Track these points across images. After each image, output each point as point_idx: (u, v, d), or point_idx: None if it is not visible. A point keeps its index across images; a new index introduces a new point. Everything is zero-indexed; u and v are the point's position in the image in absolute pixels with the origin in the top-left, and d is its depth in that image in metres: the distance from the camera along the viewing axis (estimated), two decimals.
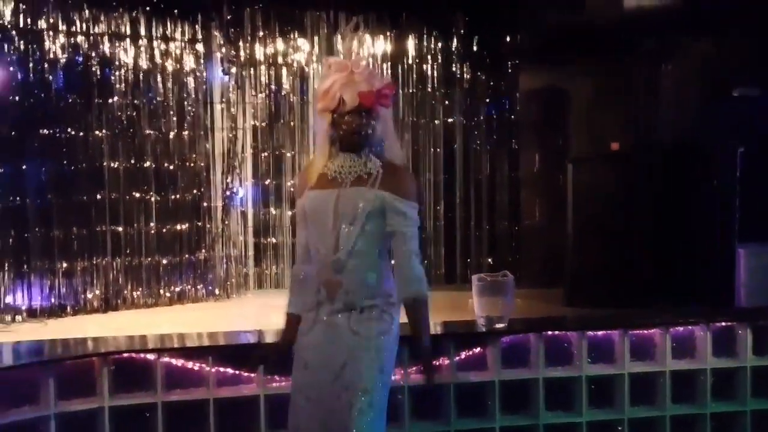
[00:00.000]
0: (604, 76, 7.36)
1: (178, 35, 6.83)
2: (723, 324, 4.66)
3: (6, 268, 5.91)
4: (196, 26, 6.91)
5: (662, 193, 5.86)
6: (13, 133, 6.03)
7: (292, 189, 7.26)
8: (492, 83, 7.84)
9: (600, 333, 4.57)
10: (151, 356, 4.10)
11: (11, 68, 6.09)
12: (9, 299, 5.90)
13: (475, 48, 7.80)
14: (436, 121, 7.75)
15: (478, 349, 4.44)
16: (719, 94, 6.48)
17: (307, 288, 3.08)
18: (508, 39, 7.83)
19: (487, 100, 7.84)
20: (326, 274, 2.98)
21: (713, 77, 6.69)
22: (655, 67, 7.20)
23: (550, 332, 4.50)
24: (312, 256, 3.05)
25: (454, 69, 7.78)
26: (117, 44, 6.56)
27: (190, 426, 4.09)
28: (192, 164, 6.81)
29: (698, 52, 6.87)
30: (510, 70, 7.84)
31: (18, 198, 6.04)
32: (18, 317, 5.81)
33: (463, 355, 4.40)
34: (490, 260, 7.54)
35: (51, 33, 6.30)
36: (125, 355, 4.08)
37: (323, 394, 2.97)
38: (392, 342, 3.06)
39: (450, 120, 7.78)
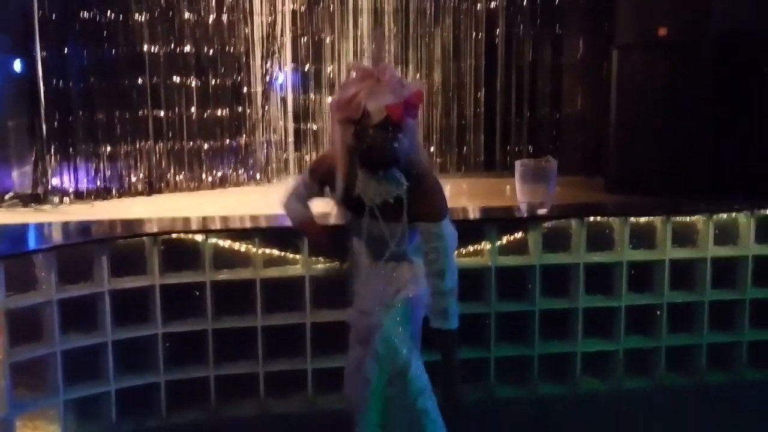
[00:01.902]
0: None
1: None
2: (767, 212, 4.63)
3: (52, 151, 6.00)
4: None
5: (712, 82, 5.69)
6: (54, 16, 6.01)
7: (331, 75, 7.22)
8: None
9: (642, 219, 4.57)
10: (199, 237, 4.20)
11: None
12: (56, 181, 6.01)
13: None
14: (478, 6, 7.55)
15: (520, 234, 4.47)
16: None
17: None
18: None
19: None
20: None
21: None
22: None
23: (591, 218, 4.51)
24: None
25: None
26: None
27: (237, 304, 4.22)
28: (231, 49, 6.76)
29: None
30: None
31: (61, 82, 6.07)
32: (66, 199, 5.93)
33: (504, 239, 4.45)
34: (530, 148, 7.49)
35: None
36: (174, 235, 4.18)
37: (374, 310, 3.12)
38: None
39: (492, 4, 7.58)
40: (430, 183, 2.97)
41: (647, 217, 4.57)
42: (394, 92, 2.77)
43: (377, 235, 3.02)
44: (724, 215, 4.61)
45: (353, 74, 2.90)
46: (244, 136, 6.78)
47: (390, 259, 3.10)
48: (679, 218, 4.58)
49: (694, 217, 4.60)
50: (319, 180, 3.12)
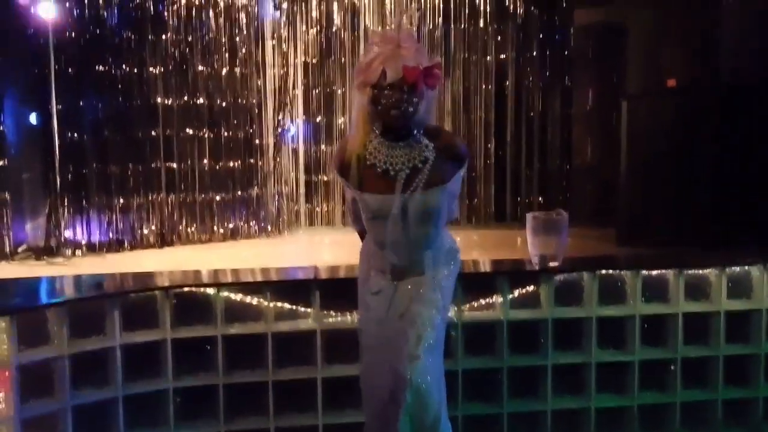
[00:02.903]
0: (662, 9, 7.15)
1: None
2: None
3: (66, 204, 6.05)
4: None
5: (721, 131, 5.72)
6: (69, 69, 6.11)
7: (343, 126, 7.27)
8: (546, 18, 7.67)
9: (654, 272, 4.54)
10: (210, 291, 4.19)
11: (67, 5, 6.13)
12: (69, 234, 6.05)
13: None
14: (488, 58, 7.65)
15: (532, 287, 4.45)
16: None
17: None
18: None
19: (541, 36, 7.69)
20: (393, 262, 3.06)
21: None
22: None
23: (603, 271, 4.49)
24: (374, 238, 3.10)
25: (507, 3, 7.63)
26: None
27: (249, 358, 4.20)
28: (244, 101, 6.84)
29: None
30: (564, 4, 7.65)
31: (76, 134, 6.15)
32: (78, 252, 5.96)
33: (516, 293, 4.42)
34: (540, 199, 7.50)
35: None
36: (186, 289, 4.18)
37: (389, 332, 3.04)
38: (453, 281, 3.19)
39: (502, 56, 7.67)
40: (452, 138, 3.09)
41: (660, 270, 4.54)
42: (413, 59, 2.78)
43: (411, 219, 2.96)
44: (737, 268, 4.57)
45: (374, 40, 2.90)
46: (256, 187, 6.83)
47: (412, 273, 3.06)
48: (691, 271, 4.54)
49: (707, 270, 4.57)
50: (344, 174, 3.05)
